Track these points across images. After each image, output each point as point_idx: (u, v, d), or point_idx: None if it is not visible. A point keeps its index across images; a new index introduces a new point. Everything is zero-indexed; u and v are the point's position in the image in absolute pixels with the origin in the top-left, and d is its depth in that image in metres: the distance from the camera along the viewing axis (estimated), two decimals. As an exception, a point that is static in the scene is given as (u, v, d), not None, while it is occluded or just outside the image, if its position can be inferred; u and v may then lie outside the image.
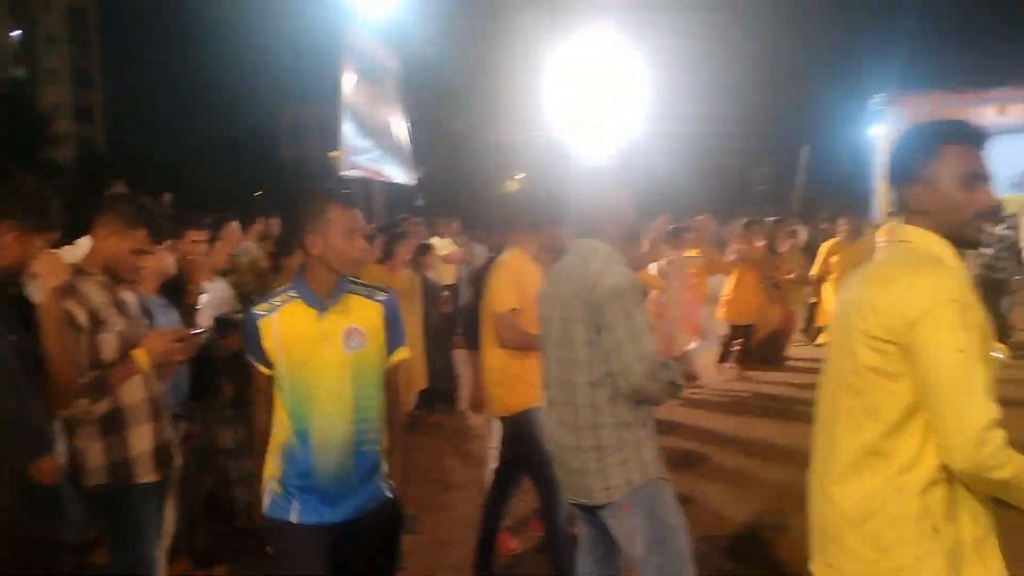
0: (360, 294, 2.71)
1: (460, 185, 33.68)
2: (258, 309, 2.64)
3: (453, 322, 11.09)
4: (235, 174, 35.74)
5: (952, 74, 24.35)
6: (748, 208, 21.40)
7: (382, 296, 2.75)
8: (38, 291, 2.34)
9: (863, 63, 27.90)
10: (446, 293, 8.12)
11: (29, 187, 2.23)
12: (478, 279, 4.53)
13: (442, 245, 11.35)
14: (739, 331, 9.12)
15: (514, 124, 22.69)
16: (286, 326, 2.59)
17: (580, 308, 2.74)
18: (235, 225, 6.22)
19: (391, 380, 2.76)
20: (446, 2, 22.02)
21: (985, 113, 22.74)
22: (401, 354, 2.78)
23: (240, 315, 5.53)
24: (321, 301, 2.61)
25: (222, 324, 4.77)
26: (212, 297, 5.27)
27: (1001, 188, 18.06)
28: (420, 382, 7.44)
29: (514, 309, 3.81)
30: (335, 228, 2.55)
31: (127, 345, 2.87)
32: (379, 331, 2.70)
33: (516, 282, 3.83)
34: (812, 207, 25.46)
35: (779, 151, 26.60)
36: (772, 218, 10.91)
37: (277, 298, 2.66)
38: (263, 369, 2.63)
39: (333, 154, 12.39)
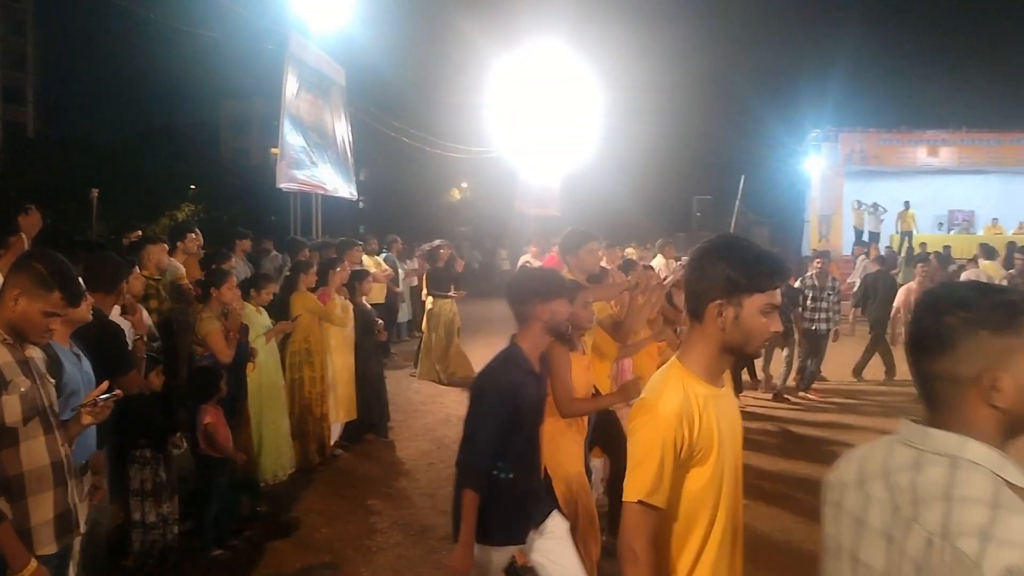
0: None
1: (402, 198, 33.39)
2: None
3: (387, 349, 10.98)
4: (173, 165, 34.80)
5: (887, 114, 25.14)
6: (687, 236, 21.74)
7: None
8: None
9: (801, 98, 28.65)
10: (381, 321, 7.93)
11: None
12: None
13: (373, 264, 11.19)
14: None
15: (461, 140, 22.60)
16: None
17: None
18: (157, 249, 5.96)
19: None
20: (395, 17, 21.83)
21: (916, 153, 23.66)
22: None
23: (158, 345, 5.34)
24: None
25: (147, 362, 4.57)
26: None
27: (928, 227, 18.63)
28: (350, 413, 7.29)
29: None
30: None
31: (30, 408, 2.68)
32: None
33: None
34: (746, 237, 25.88)
35: (719, 179, 27.08)
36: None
37: None
38: None
39: (275, 150, 12.17)
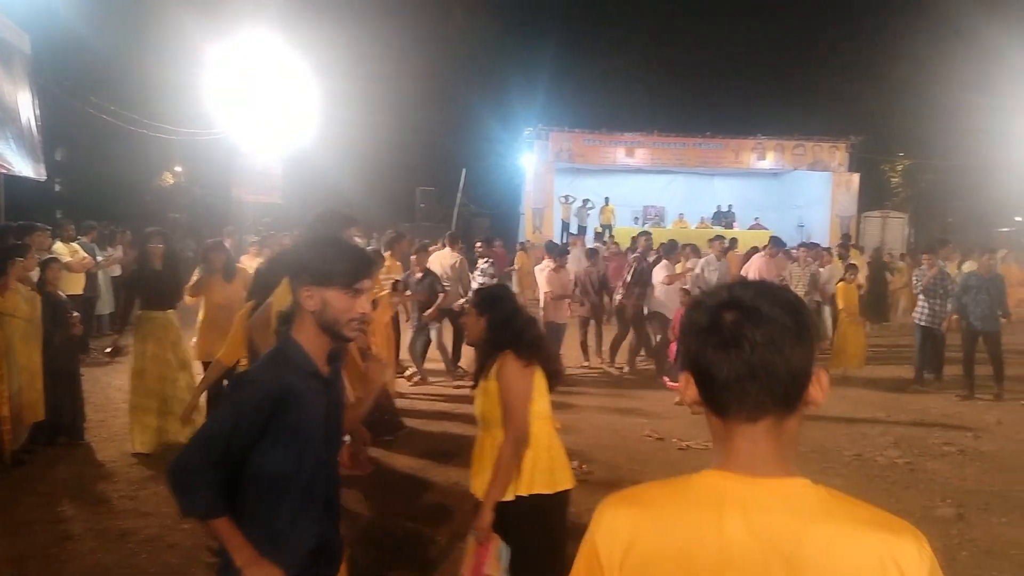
0: None
1: (106, 181, 30.70)
2: None
3: (84, 344, 10.12)
4: None
5: (591, 116, 27.18)
6: (412, 226, 22.20)
7: None
8: None
9: (516, 97, 30.22)
10: (76, 314, 7.31)
11: None
12: None
13: (67, 251, 10.28)
14: None
15: (174, 121, 21.19)
16: None
17: None
18: None
19: None
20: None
21: (616, 153, 25.90)
22: None
23: None
24: None
25: None
26: None
27: (625, 221, 20.60)
28: (37, 414, 6.68)
29: None
30: None
31: None
32: None
33: None
34: (468, 228, 26.99)
35: (441, 171, 27.84)
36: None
37: None
38: None
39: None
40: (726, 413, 1.26)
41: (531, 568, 3.29)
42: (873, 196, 28.33)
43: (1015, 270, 13.45)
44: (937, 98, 26.14)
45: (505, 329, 3.39)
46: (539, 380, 3.39)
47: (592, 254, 12.58)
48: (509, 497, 3.26)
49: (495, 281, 10.13)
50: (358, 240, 4.21)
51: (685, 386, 1.31)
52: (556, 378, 3.52)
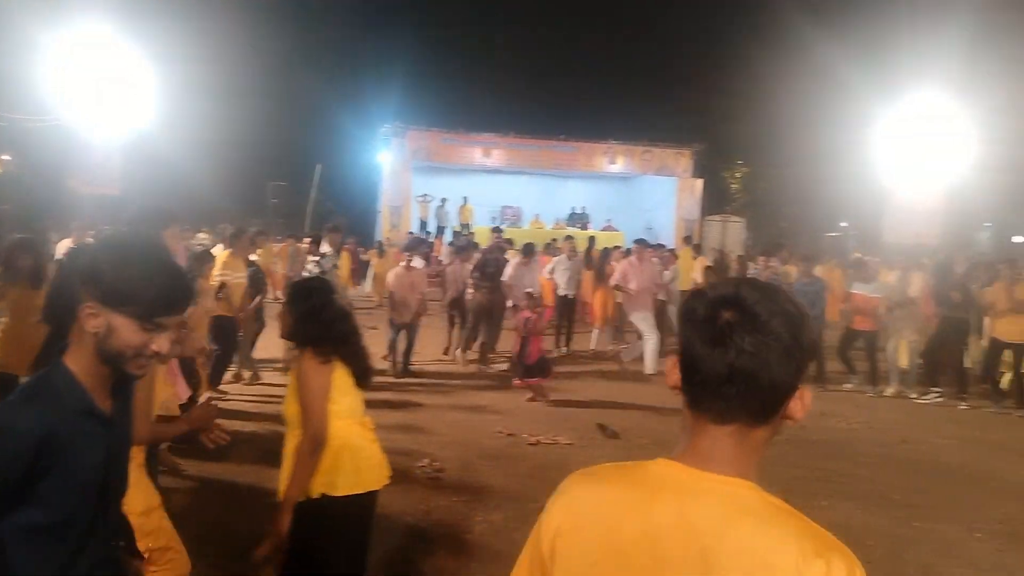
0: None
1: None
2: None
3: None
4: None
5: (449, 116, 27.28)
6: (264, 221, 21.51)
7: None
8: None
9: (373, 94, 29.95)
10: None
11: None
12: None
13: None
14: None
15: (1, 105, 19.64)
16: None
17: None
18: None
19: None
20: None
21: (473, 153, 26.11)
22: None
23: None
24: None
25: None
26: None
27: (484, 220, 20.80)
28: None
29: None
30: None
31: None
32: None
33: None
34: (322, 223, 26.48)
35: (294, 166, 27.15)
36: None
37: None
38: None
39: None
40: (698, 407, 1.26)
41: (329, 570, 3.19)
42: (715, 201, 29.91)
43: (838, 277, 14.41)
44: (773, 110, 27.91)
45: (309, 323, 3.26)
46: (341, 377, 3.25)
47: (462, 250, 12.65)
48: (313, 496, 3.15)
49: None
50: (201, 238, 3.92)
51: (671, 369, 1.30)
52: (365, 376, 3.37)
